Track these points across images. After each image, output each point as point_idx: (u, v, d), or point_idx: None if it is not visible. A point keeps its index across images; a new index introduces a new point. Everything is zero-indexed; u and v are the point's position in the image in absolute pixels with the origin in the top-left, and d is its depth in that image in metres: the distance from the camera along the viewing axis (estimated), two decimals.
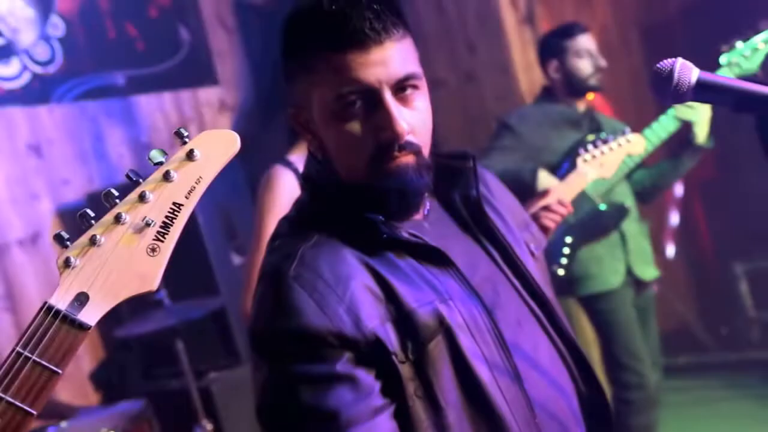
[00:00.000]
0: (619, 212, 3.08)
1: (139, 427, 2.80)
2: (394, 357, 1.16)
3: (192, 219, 1.00)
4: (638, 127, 2.91)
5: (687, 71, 1.17)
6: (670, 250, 4.92)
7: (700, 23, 4.66)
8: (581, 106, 3.22)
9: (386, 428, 1.15)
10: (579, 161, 2.73)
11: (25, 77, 3.60)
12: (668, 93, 1.18)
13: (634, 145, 2.74)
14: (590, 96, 3.86)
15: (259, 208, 2.72)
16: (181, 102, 4.19)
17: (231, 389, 3.27)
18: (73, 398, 3.39)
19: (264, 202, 2.71)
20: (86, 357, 3.55)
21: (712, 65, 2.78)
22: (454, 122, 4.38)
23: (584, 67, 3.15)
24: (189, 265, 3.29)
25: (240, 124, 4.39)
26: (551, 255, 2.97)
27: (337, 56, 1.18)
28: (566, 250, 3.00)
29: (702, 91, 1.17)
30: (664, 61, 1.19)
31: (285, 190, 2.59)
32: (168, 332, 3.03)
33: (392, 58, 1.19)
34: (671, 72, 1.17)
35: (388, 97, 1.19)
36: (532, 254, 1.42)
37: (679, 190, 4.89)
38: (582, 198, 2.93)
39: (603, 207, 3.05)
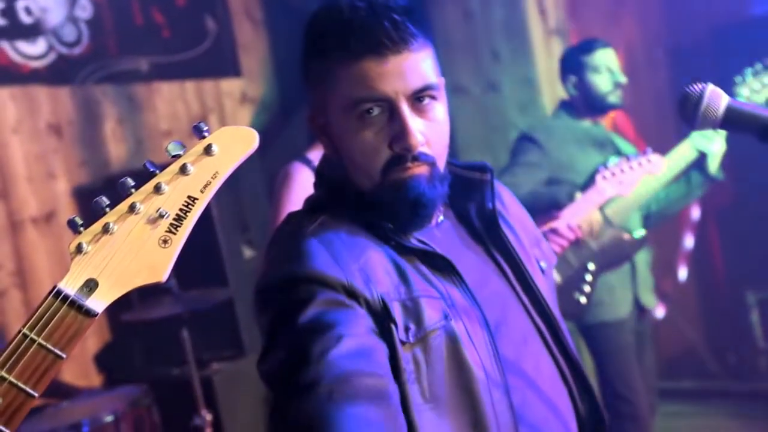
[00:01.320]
0: (639, 240, 3.04)
1: (138, 412, 2.81)
2: (395, 329, 1.16)
3: (206, 209, 1.00)
4: (658, 148, 2.91)
5: (717, 98, 1.16)
6: (683, 274, 4.89)
7: (728, 46, 4.63)
8: (602, 123, 3.19)
9: (381, 349, 1.14)
10: (598, 177, 2.74)
11: (51, 57, 3.62)
12: (695, 118, 1.16)
13: (655, 165, 2.75)
14: (612, 114, 3.85)
15: (275, 203, 2.73)
16: (203, 92, 4.20)
17: (233, 381, 3.27)
18: (76, 378, 3.41)
19: (280, 198, 2.72)
20: (92, 339, 3.57)
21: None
22: (475, 131, 4.38)
23: (603, 83, 3.09)
24: (200, 256, 3.30)
25: (261, 117, 4.40)
26: (573, 283, 2.95)
27: (356, 64, 1.18)
28: (589, 278, 2.95)
29: (729, 119, 1.16)
30: (695, 85, 1.18)
31: (302, 186, 2.59)
32: (174, 320, 3.04)
33: (410, 68, 1.19)
34: (701, 97, 1.16)
35: (404, 108, 1.19)
36: (542, 271, 1.41)
37: (695, 213, 4.86)
38: (604, 225, 2.93)
39: (637, 235, 3.02)
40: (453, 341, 1.19)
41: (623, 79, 3.11)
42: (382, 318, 1.16)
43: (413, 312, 1.18)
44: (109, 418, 2.71)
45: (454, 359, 1.18)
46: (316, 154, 2.67)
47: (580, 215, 2.78)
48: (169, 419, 3.03)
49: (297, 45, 1.29)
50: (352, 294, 1.16)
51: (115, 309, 3.32)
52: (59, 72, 3.65)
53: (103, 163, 3.75)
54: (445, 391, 1.17)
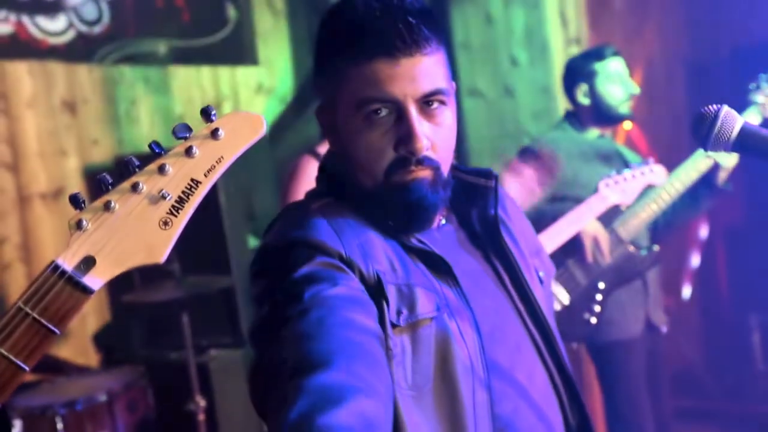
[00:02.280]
0: (651, 257, 2.97)
1: (133, 393, 2.82)
2: (387, 309, 1.16)
3: (213, 196, 1.00)
4: (672, 163, 2.88)
5: (731, 120, 1.15)
6: (686, 291, 4.87)
7: (749, 66, 4.60)
8: (608, 135, 3.10)
9: (373, 309, 1.14)
10: (601, 185, 2.71)
11: (70, 34, 3.63)
12: (708, 139, 1.16)
13: (656, 175, 2.72)
14: (628, 126, 3.80)
15: (284, 195, 2.74)
16: (219, 78, 4.20)
17: (229, 369, 3.28)
18: (74, 356, 3.42)
19: (288, 189, 2.72)
20: (92, 317, 3.57)
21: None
22: (487, 135, 4.37)
23: (616, 92, 2.98)
24: (205, 242, 3.31)
25: (275, 108, 4.40)
26: (582, 302, 2.87)
27: (367, 64, 1.18)
28: (599, 297, 2.87)
29: (742, 143, 1.15)
30: (710, 106, 1.17)
31: (311, 179, 2.59)
32: (175, 304, 3.04)
33: (421, 72, 1.18)
34: (715, 118, 1.15)
35: (412, 111, 1.19)
36: (540, 281, 1.40)
37: (703, 232, 4.85)
38: (613, 241, 2.88)
39: (644, 252, 2.98)
40: (443, 335, 1.18)
41: (636, 89, 3.02)
42: (374, 294, 1.17)
43: (407, 297, 1.18)
44: (103, 398, 2.72)
45: (441, 354, 1.18)
46: (325, 148, 2.67)
47: (581, 222, 2.74)
48: (163, 403, 3.03)
49: (315, 37, 1.29)
50: (349, 264, 1.17)
51: (117, 290, 3.34)
52: (77, 50, 3.66)
53: (115, 144, 3.76)
54: (427, 383, 1.17)
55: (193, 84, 4.09)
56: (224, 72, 4.22)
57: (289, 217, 1.28)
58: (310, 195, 1.35)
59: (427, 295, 1.19)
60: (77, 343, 3.48)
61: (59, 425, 2.61)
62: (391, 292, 1.18)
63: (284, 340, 1.09)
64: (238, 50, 4.30)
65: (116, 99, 3.80)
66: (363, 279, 1.17)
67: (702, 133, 1.17)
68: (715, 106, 1.18)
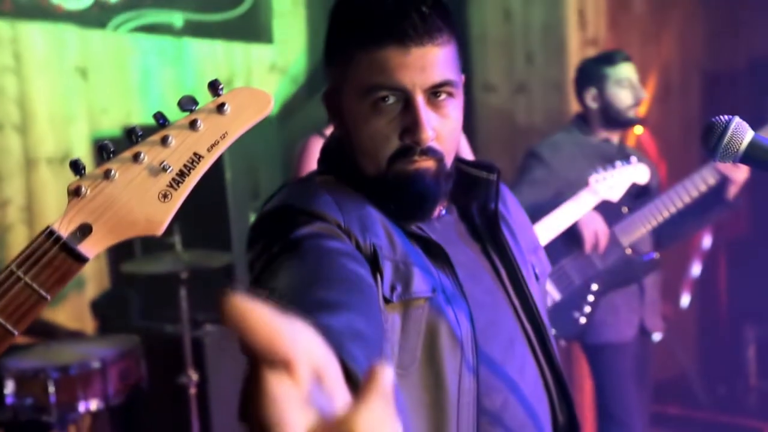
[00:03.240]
0: (650, 263, 2.99)
1: (126, 363, 2.82)
2: (381, 281, 1.15)
3: (219, 171, 1.00)
4: (682, 171, 2.87)
5: (741, 132, 1.15)
6: (685, 300, 4.86)
7: (765, 80, 4.58)
8: (615, 138, 3.10)
9: (368, 267, 1.14)
10: (591, 179, 2.72)
11: (87, 1, 3.62)
12: (717, 150, 1.15)
13: (639, 173, 2.73)
14: (639, 130, 3.80)
15: (290, 175, 2.74)
16: (233, 54, 4.19)
17: (223, 345, 3.28)
18: (70, 321, 3.43)
19: (296, 170, 2.72)
20: (91, 284, 3.58)
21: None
22: (497, 130, 4.35)
23: (625, 97, 2.99)
24: (208, 217, 3.31)
25: (287, 87, 4.39)
26: (573, 301, 2.90)
27: (377, 51, 1.17)
28: (591, 298, 2.90)
29: (751, 155, 1.15)
30: (721, 116, 1.17)
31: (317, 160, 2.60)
32: (174, 277, 3.05)
33: (431, 62, 1.18)
34: (725, 129, 1.15)
35: (420, 101, 1.19)
36: (537, 278, 1.40)
37: (706, 242, 4.84)
38: (612, 244, 2.89)
39: (648, 258, 2.98)
40: (436, 319, 1.17)
41: (644, 94, 3.04)
42: (370, 266, 1.16)
43: (403, 275, 1.17)
44: (96, 365, 2.72)
45: (431, 336, 1.17)
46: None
47: (573, 216, 2.75)
48: (155, 374, 3.04)
49: None
50: (346, 234, 1.17)
51: (117, 258, 3.35)
52: (93, 16, 3.65)
53: (124, 113, 3.75)
54: (413, 363, 1.16)
55: (206, 58, 4.08)
56: (239, 48, 4.21)
57: (289, 189, 1.28)
58: (312, 174, 1.35)
59: (424, 276, 1.18)
60: (73, 308, 3.49)
61: (51, 388, 2.61)
62: (387, 267, 1.17)
63: (277, 272, 1.09)
64: (254, 28, 4.28)
65: (129, 68, 3.79)
66: (360, 249, 1.17)
67: (711, 142, 1.16)
68: (726, 116, 1.17)
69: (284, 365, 0.50)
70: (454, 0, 4.21)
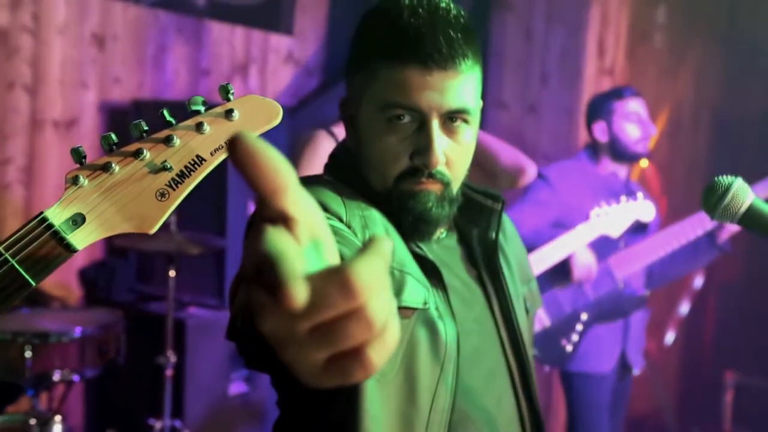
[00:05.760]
0: (639, 299, 3.01)
1: (106, 336, 2.82)
2: None
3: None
4: (683, 209, 2.88)
5: (742, 195, 1.15)
6: (670, 337, 4.87)
7: None
8: (623, 173, 3.12)
9: None
10: (592, 214, 2.74)
11: None
12: (716, 210, 1.16)
13: (644, 211, 2.75)
14: (644, 164, 3.80)
15: (293, 164, 2.72)
16: (251, 41, 4.19)
17: (205, 330, 3.28)
18: (54, 288, 3.42)
19: (299, 164, 2.71)
20: (82, 253, 3.56)
21: None
22: None
23: (632, 131, 3.02)
24: (205, 200, 3.31)
25: (300, 78, 4.38)
26: (562, 329, 2.92)
27: (400, 69, 1.17)
28: (579, 327, 2.92)
29: (748, 219, 1.15)
30: (724, 176, 1.17)
31: (323, 155, 2.59)
32: (165, 257, 3.05)
33: (451, 87, 1.18)
34: (727, 190, 1.15)
35: (434, 124, 1.19)
36: (526, 311, 1.40)
37: (698, 282, 4.84)
38: (605, 276, 2.90)
39: (638, 294, 2.99)
40: (422, 332, 1.16)
41: (654, 130, 3.07)
42: None
43: (397, 281, 1.16)
44: (76, 335, 2.72)
45: (412, 348, 1.16)
46: (341, 129, 2.67)
47: (569, 248, 2.76)
48: (134, 351, 3.04)
49: (354, 19, 1.28)
50: (347, 227, 1.16)
51: None
52: None
53: (136, 85, 3.75)
54: (391, 371, 1.15)
55: (224, 41, 4.08)
56: (257, 35, 4.21)
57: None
58: (320, 175, 1.35)
59: (417, 288, 1.18)
60: (60, 275, 3.49)
61: (28, 353, 2.61)
62: None
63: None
64: (276, 17, 4.28)
65: (146, 42, 3.78)
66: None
67: (711, 202, 1.17)
68: (729, 177, 1.17)
69: (284, 221, 0.52)
70: (477, 16, 4.20)
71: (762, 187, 2.66)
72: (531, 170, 2.64)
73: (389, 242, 0.52)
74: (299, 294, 0.48)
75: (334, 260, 0.55)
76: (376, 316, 0.49)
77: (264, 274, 0.49)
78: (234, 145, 0.52)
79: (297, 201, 0.53)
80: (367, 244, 0.51)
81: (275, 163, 0.52)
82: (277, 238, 0.49)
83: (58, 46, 3.48)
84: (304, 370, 0.51)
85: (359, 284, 0.48)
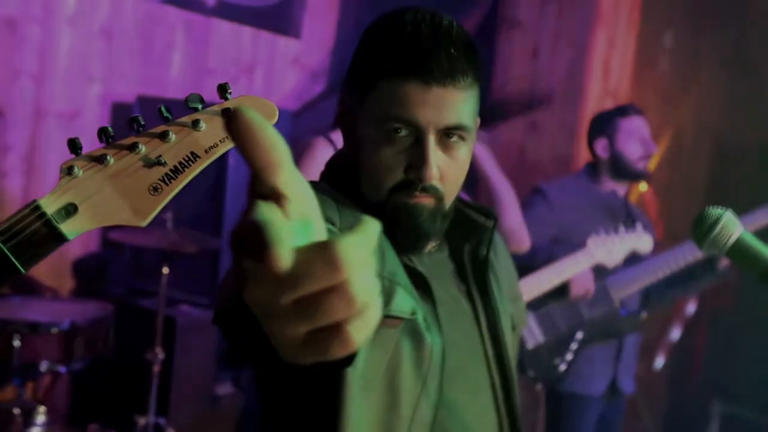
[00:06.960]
0: (634, 321, 3.01)
1: (95, 330, 2.82)
2: None
3: (222, 156, 1.00)
4: (679, 234, 2.88)
5: (730, 227, 1.16)
6: (659, 362, 4.86)
7: None
8: (622, 191, 3.12)
9: None
10: (589, 241, 2.74)
11: None
12: (704, 241, 1.16)
13: (642, 243, 2.75)
14: (643, 187, 3.81)
15: None
16: (259, 43, 4.20)
17: (195, 328, 3.28)
18: (47, 277, 3.42)
19: (298, 167, 2.72)
20: (77, 244, 3.58)
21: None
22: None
23: (634, 148, 3.03)
24: (204, 200, 3.32)
25: (305, 83, 4.40)
26: (556, 347, 2.91)
27: (400, 84, 1.18)
28: (574, 346, 2.91)
29: (735, 252, 1.16)
30: (714, 207, 1.17)
31: (319, 162, 2.60)
32: (159, 253, 3.05)
33: (449, 104, 1.18)
34: (716, 222, 1.16)
35: (431, 140, 1.20)
36: (513, 329, 1.41)
37: (691, 308, 4.84)
38: (602, 296, 2.90)
39: (629, 315, 3.00)
40: (407, 343, 1.16)
41: (655, 148, 3.09)
42: None
43: (386, 289, 1.15)
44: (65, 326, 2.72)
45: (395, 359, 1.16)
46: (340, 137, 2.68)
47: (564, 274, 2.76)
48: (123, 345, 3.04)
49: (363, 27, 1.28)
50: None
51: None
52: None
53: (141, 81, 3.76)
54: (374, 379, 1.15)
55: (231, 42, 4.09)
56: (265, 37, 4.22)
57: None
58: (317, 182, 1.35)
59: (406, 298, 1.17)
60: (54, 265, 3.49)
61: (16, 342, 2.61)
62: None
63: None
64: (285, 20, 4.29)
65: (154, 38, 3.80)
66: None
67: (700, 233, 1.17)
68: (719, 209, 1.18)
69: (276, 198, 0.53)
70: (485, 32, 4.22)
71: (750, 220, 2.67)
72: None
73: (377, 224, 0.52)
74: (283, 257, 0.49)
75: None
76: (358, 293, 0.50)
77: (251, 240, 0.50)
78: (234, 117, 0.53)
79: (290, 179, 0.54)
80: (355, 225, 0.52)
81: (272, 139, 0.53)
82: (266, 209, 0.50)
83: (67, 37, 3.49)
84: (285, 343, 0.52)
85: (344, 260, 0.49)
